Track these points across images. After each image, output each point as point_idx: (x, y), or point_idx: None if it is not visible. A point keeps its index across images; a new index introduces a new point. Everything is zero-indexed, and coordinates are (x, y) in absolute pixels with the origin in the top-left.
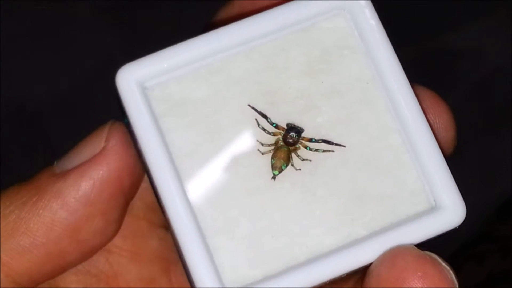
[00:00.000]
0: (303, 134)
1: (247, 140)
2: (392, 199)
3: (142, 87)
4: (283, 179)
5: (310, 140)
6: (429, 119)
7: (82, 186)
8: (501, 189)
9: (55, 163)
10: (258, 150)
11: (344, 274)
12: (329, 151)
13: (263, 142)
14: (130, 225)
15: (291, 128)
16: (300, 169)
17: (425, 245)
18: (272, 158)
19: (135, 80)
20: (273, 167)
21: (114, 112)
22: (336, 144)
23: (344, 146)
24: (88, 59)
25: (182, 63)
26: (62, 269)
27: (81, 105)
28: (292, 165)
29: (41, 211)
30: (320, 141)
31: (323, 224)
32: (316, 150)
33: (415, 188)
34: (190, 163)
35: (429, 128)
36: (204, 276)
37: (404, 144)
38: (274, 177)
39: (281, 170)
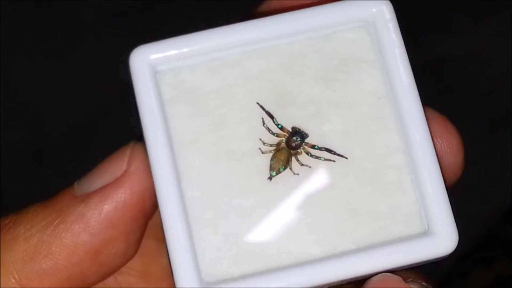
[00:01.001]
0: (306, 140)
1: (249, 137)
2: (386, 218)
3: (154, 70)
4: (279, 181)
5: (313, 146)
6: (437, 143)
7: (104, 209)
8: (508, 193)
9: (76, 184)
10: (260, 148)
11: (326, 285)
12: (330, 160)
13: (265, 142)
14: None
15: (296, 132)
16: (298, 174)
17: (416, 269)
18: (272, 158)
19: (147, 62)
20: (271, 168)
21: (115, 114)
22: (338, 155)
23: (346, 158)
24: (91, 64)
25: (197, 52)
26: None
27: (85, 109)
28: (291, 168)
29: (63, 234)
30: (323, 149)
31: (312, 233)
32: (317, 157)
33: (411, 211)
34: (189, 151)
35: (435, 153)
36: (183, 265)
37: (408, 165)
38: (270, 178)
39: (278, 172)
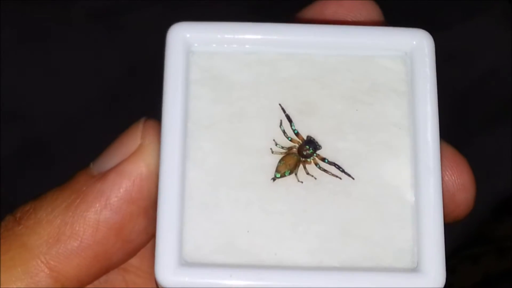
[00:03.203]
0: (318, 152)
1: (263, 135)
2: (377, 246)
3: (188, 49)
4: (282, 184)
5: (323, 159)
6: (449, 178)
7: (123, 184)
8: (497, 189)
9: (91, 164)
10: (271, 148)
11: None
12: (337, 177)
13: (278, 143)
14: (148, 246)
15: (310, 141)
16: (302, 182)
17: None
18: (280, 161)
19: (184, 39)
20: (277, 170)
21: (112, 114)
22: (346, 173)
23: (353, 178)
24: (82, 64)
25: (234, 42)
26: (106, 270)
27: (77, 110)
28: (296, 175)
29: (85, 213)
30: (332, 164)
31: (301, 242)
32: (324, 170)
33: (404, 247)
34: (202, 134)
35: (441, 195)
36: (167, 241)
37: (412, 201)
38: (274, 179)
39: (283, 175)
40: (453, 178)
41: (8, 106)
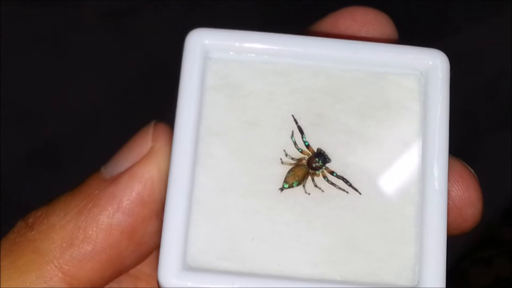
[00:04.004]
0: (327, 165)
1: (274, 145)
2: (380, 262)
3: (206, 55)
4: (289, 195)
5: (332, 173)
6: (455, 193)
7: (135, 187)
8: (507, 192)
9: (102, 168)
10: (280, 159)
11: None
12: (344, 190)
13: (288, 154)
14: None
15: (320, 154)
16: (309, 194)
17: None
18: (289, 171)
19: (202, 45)
20: (285, 180)
21: (113, 117)
22: (353, 188)
23: (360, 193)
24: (91, 64)
25: (252, 51)
26: (119, 274)
27: (83, 111)
28: (304, 186)
29: (98, 217)
30: (341, 178)
31: (304, 253)
32: (332, 184)
33: (406, 264)
34: (214, 141)
35: (446, 213)
36: (172, 244)
37: (417, 219)
38: (282, 189)
39: (291, 186)
40: (460, 193)
41: (19, 107)
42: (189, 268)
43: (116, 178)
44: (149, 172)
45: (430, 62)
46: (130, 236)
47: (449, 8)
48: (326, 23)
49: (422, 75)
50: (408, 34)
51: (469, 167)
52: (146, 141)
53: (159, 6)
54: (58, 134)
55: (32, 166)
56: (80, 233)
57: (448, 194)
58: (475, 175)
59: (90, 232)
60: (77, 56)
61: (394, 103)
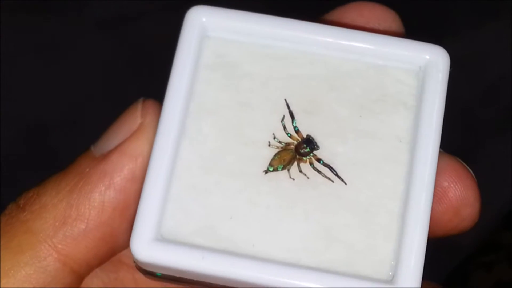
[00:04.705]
0: (315, 152)
1: (264, 128)
2: (357, 254)
3: (204, 33)
4: (272, 178)
5: (319, 160)
6: (453, 193)
7: (126, 164)
8: (508, 196)
9: (92, 147)
10: (269, 142)
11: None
12: (329, 179)
13: (276, 137)
14: None
15: (309, 140)
16: (293, 179)
17: None
18: (275, 155)
19: (201, 23)
20: (271, 163)
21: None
22: (339, 177)
23: (345, 184)
24: (91, 72)
25: (252, 32)
26: (114, 253)
27: (85, 118)
28: (289, 170)
29: (90, 194)
30: (327, 166)
31: (281, 237)
32: (318, 171)
33: (384, 259)
34: (203, 118)
35: (429, 213)
36: (148, 215)
37: (400, 216)
38: (266, 172)
39: (275, 170)
40: (458, 193)
41: (17, 114)
42: (162, 239)
43: (106, 156)
44: (139, 148)
45: (430, 58)
46: (123, 213)
47: (449, 12)
48: (333, 17)
49: (421, 70)
50: (409, 37)
51: (468, 167)
52: (135, 117)
53: (159, 12)
54: (59, 143)
55: (22, 153)
56: (72, 211)
57: (446, 194)
58: (473, 175)
59: (82, 210)
60: (77, 63)
61: (391, 97)
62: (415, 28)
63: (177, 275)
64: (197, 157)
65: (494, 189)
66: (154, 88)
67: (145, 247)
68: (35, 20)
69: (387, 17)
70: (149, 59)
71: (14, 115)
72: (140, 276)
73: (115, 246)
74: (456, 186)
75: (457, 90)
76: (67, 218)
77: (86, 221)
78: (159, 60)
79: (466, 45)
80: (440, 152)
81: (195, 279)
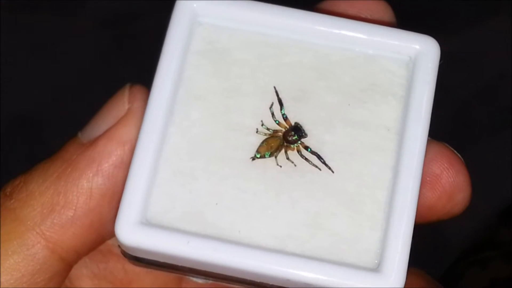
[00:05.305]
0: (303, 140)
1: (252, 115)
2: (343, 242)
3: (194, 19)
4: (260, 165)
5: (306, 148)
6: (445, 179)
7: (113, 150)
8: (505, 194)
9: (79, 133)
10: (257, 128)
11: (248, 274)
12: (317, 167)
13: (264, 124)
14: None
15: (297, 128)
16: (281, 166)
17: None
18: (263, 142)
19: (191, 8)
20: (258, 150)
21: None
22: (327, 166)
23: (333, 172)
24: (87, 70)
25: (243, 19)
26: (102, 240)
27: (85, 118)
28: (276, 157)
29: (77, 181)
30: (315, 154)
31: (267, 225)
32: (306, 159)
33: (370, 248)
34: (192, 103)
35: (416, 202)
36: (134, 198)
37: (387, 205)
38: (253, 158)
39: (263, 156)
40: (451, 179)
41: (15, 110)
42: (147, 223)
43: (94, 142)
44: (127, 134)
45: (420, 48)
46: (111, 199)
47: (448, 9)
48: (325, 6)
49: (411, 60)
50: None
51: (457, 153)
52: (123, 103)
53: (160, 13)
54: (57, 139)
55: (10, 139)
56: (60, 198)
57: (439, 181)
58: (462, 160)
59: (70, 197)
60: (75, 62)
61: (381, 87)
62: (413, 26)
63: (162, 261)
64: (184, 142)
65: (490, 187)
66: (151, 83)
67: (130, 231)
68: (35, 19)
69: (379, 7)
70: (149, 59)
71: (10, 111)
72: (129, 266)
73: (103, 233)
74: (449, 173)
75: (456, 88)
76: (55, 205)
77: (74, 208)
78: (158, 58)
79: (464, 43)
80: (429, 140)
81: (180, 264)
